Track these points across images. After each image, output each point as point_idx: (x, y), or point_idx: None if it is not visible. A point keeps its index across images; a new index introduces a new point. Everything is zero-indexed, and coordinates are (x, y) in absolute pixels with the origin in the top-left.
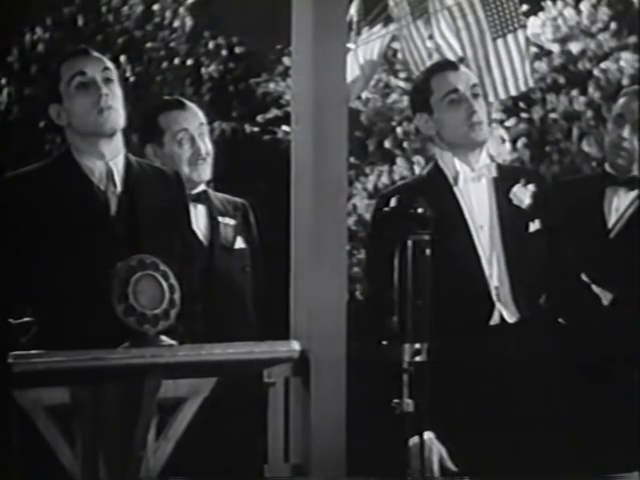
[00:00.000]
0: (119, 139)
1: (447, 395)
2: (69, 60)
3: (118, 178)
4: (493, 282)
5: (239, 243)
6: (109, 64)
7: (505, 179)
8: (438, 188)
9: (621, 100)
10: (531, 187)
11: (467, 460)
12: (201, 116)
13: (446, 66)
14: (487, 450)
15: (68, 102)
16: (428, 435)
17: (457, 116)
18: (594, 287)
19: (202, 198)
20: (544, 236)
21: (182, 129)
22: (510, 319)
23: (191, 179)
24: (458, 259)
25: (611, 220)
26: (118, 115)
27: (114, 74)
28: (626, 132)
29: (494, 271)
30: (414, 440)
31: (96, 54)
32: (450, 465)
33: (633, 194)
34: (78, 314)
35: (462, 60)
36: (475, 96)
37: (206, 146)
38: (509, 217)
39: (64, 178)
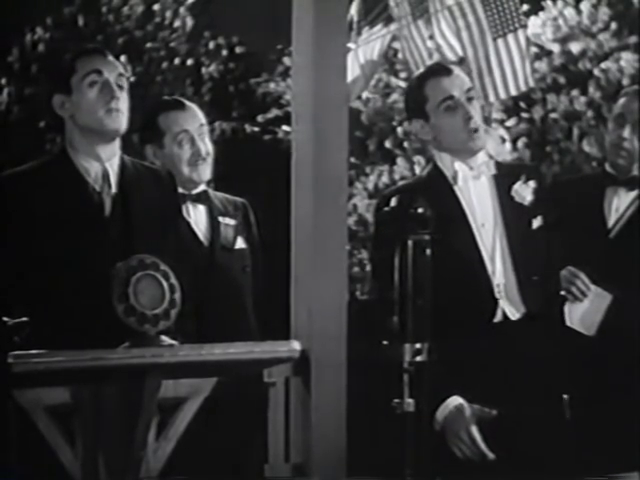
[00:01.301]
0: (117, 142)
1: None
2: (86, 56)
3: (113, 179)
4: (496, 279)
5: (239, 243)
6: (123, 70)
7: (505, 176)
8: (438, 188)
9: (621, 100)
10: (532, 184)
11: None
12: (201, 117)
13: (440, 71)
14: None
15: (77, 95)
16: (457, 400)
17: (454, 123)
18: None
19: (202, 198)
20: (546, 232)
21: (182, 130)
22: (513, 316)
23: (191, 179)
24: (460, 257)
25: (611, 220)
26: (124, 119)
27: (125, 82)
28: (626, 132)
29: (497, 268)
30: (446, 405)
31: (112, 58)
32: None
33: (633, 194)
34: (77, 314)
35: (462, 60)
36: (470, 100)
37: (206, 146)
38: (512, 214)
39: (59, 177)
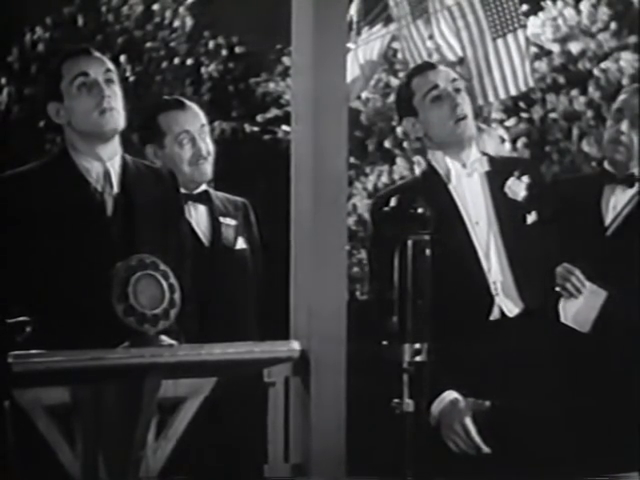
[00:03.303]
0: (117, 140)
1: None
2: (71, 60)
3: (115, 179)
4: (491, 277)
5: (240, 244)
6: (110, 65)
7: (498, 173)
8: (433, 187)
9: (621, 96)
10: (525, 179)
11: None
12: (202, 117)
13: (424, 67)
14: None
15: (69, 101)
16: (453, 394)
17: (441, 112)
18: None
19: (203, 198)
20: (541, 227)
21: (183, 131)
22: (510, 313)
23: (193, 179)
24: (456, 256)
25: (608, 218)
26: (119, 116)
27: (115, 75)
28: (624, 126)
29: (492, 266)
30: (441, 399)
31: (97, 54)
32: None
33: (631, 192)
34: (77, 314)
35: (462, 60)
36: (457, 90)
37: (207, 146)
38: (505, 211)
39: (61, 178)
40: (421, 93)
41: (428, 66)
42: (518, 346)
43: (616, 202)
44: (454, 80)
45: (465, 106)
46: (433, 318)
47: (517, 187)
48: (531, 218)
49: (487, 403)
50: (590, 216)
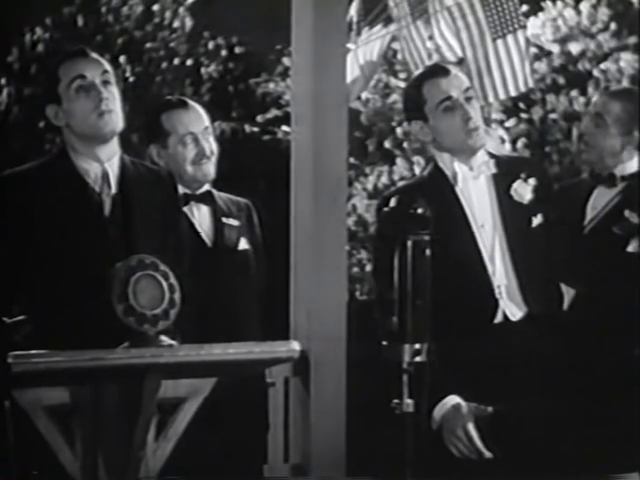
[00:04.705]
0: (116, 141)
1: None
2: (67, 62)
3: (113, 180)
4: (496, 281)
5: (243, 244)
6: (107, 66)
7: (505, 175)
8: (439, 188)
9: (595, 97)
10: (532, 181)
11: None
12: (205, 118)
13: (437, 72)
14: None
15: (67, 104)
16: (455, 399)
17: (453, 123)
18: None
19: (206, 199)
20: (546, 230)
21: (188, 132)
22: (514, 317)
23: (196, 178)
24: (461, 259)
25: (587, 217)
26: (118, 118)
27: (112, 76)
28: (584, 126)
29: (497, 269)
30: (444, 404)
31: (94, 55)
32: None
33: (612, 192)
34: (77, 314)
35: (462, 61)
36: (468, 100)
37: (210, 145)
38: (511, 214)
39: (59, 178)
40: (433, 102)
41: (440, 71)
42: (521, 350)
43: (598, 202)
44: (467, 89)
45: (477, 117)
46: (437, 321)
47: (523, 190)
48: (537, 221)
49: (489, 409)
50: (575, 217)
